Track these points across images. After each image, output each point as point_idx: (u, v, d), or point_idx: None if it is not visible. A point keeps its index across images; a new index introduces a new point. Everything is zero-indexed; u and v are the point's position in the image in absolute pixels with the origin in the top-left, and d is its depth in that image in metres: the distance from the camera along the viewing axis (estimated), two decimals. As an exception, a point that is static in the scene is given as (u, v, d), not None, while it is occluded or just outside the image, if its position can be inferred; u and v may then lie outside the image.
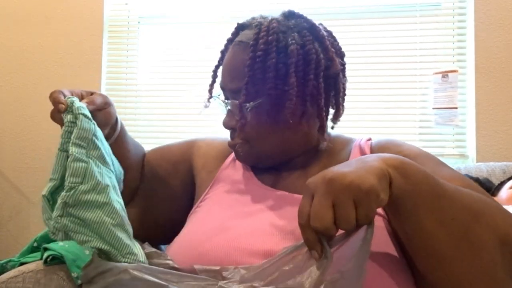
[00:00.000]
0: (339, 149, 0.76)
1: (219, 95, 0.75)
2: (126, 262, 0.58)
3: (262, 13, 0.75)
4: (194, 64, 1.98)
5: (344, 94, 0.75)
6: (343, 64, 0.74)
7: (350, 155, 0.73)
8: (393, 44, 1.84)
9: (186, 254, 0.62)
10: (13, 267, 0.78)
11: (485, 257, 0.50)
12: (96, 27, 2.04)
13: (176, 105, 2.00)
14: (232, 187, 0.74)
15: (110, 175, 0.63)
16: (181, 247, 0.65)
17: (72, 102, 0.60)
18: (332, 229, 0.45)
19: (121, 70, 2.07)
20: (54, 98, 0.61)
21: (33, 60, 2.07)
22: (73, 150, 0.58)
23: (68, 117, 0.60)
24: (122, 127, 0.77)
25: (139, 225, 0.83)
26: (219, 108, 0.76)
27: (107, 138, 0.69)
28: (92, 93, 0.68)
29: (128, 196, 0.83)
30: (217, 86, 0.76)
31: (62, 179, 0.59)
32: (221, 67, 0.75)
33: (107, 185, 0.60)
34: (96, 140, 0.61)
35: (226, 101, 0.73)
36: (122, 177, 0.71)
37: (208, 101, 0.77)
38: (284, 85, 0.67)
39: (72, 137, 0.59)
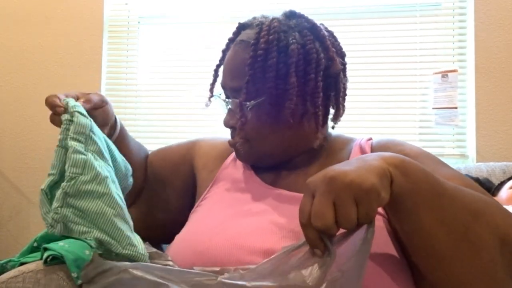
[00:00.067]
0: (339, 149, 0.76)
1: (220, 94, 0.76)
2: (127, 254, 0.58)
3: (263, 13, 0.75)
4: (194, 64, 1.98)
5: (345, 94, 0.75)
6: (344, 64, 0.74)
7: (350, 155, 0.73)
8: (393, 44, 1.84)
9: (186, 252, 0.62)
10: (13, 267, 0.78)
11: (485, 257, 0.50)
12: (96, 27, 2.04)
13: (176, 105, 2.00)
14: (232, 186, 0.74)
15: (108, 169, 0.63)
16: (181, 245, 0.66)
17: (67, 103, 0.61)
18: (333, 228, 0.45)
19: (121, 70, 2.07)
20: (50, 103, 0.62)
21: (33, 60, 2.07)
22: (72, 143, 0.58)
23: (65, 117, 0.60)
24: (122, 128, 0.78)
25: (143, 225, 0.85)
26: (220, 107, 0.76)
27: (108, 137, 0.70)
28: (89, 93, 0.68)
29: (132, 196, 0.84)
30: (218, 85, 0.76)
31: (61, 174, 0.59)
32: (222, 67, 0.75)
33: (106, 176, 0.60)
34: (93, 136, 0.61)
35: (227, 100, 0.73)
36: (129, 173, 0.71)
37: (209, 100, 0.77)
38: (285, 84, 0.67)
39: (69, 133, 0.59)
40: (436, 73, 1.76)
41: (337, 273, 0.45)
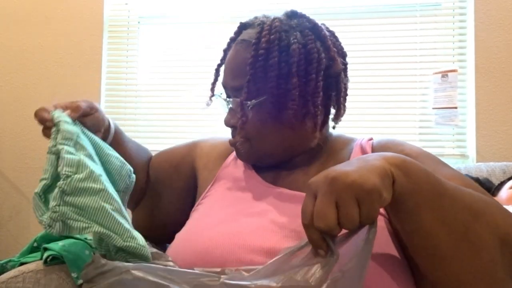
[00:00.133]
0: (340, 149, 0.76)
1: (221, 94, 0.76)
2: (128, 246, 0.58)
3: (264, 13, 0.75)
4: (194, 64, 1.98)
5: (346, 94, 0.75)
6: (345, 64, 0.74)
7: (351, 155, 0.73)
8: (393, 44, 1.84)
9: (186, 252, 0.63)
10: (13, 267, 0.78)
11: (485, 257, 0.50)
12: (96, 27, 2.04)
13: (176, 105, 2.00)
14: (233, 185, 0.74)
15: (99, 171, 0.63)
16: (182, 245, 0.66)
17: (53, 115, 0.63)
18: (335, 228, 0.45)
19: (121, 70, 2.07)
20: (39, 119, 0.64)
21: (33, 60, 2.07)
22: (62, 146, 0.59)
23: (54, 129, 0.62)
24: (117, 131, 0.78)
25: (146, 225, 0.88)
26: (221, 106, 0.76)
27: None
28: (77, 101, 0.68)
29: (135, 197, 0.85)
30: (219, 85, 0.76)
31: (53, 179, 0.59)
32: (223, 66, 0.75)
33: (100, 175, 0.60)
34: (81, 142, 0.62)
35: (228, 99, 0.73)
36: (129, 173, 0.71)
37: (210, 99, 0.77)
38: (286, 84, 0.67)
39: (57, 140, 0.60)
40: (436, 73, 1.76)
41: (338, 273, 0.44)
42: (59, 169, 0.58)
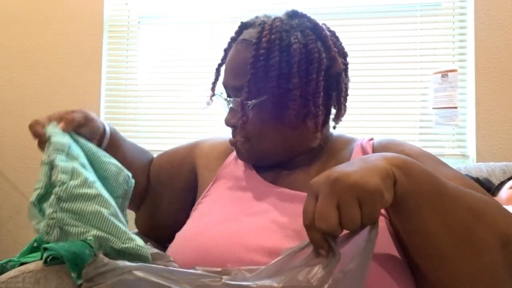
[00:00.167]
0: (340, 149, 0.76)
1: (221, 93, 0.76)
2: (127, 248, 0.58)
3: (265, 13, 0.75)
4: (194, 64, 1.98)
5: (347, 94, 0.75)
6: (346, 64, 0.74)
7: (352, 155, 0.73)
8: (393, 44, 1.84)
9: (187, 251, 0.63)
10: (13, 267, 0.78)
11: (486, 257, 0.50)
12: (96, 27, 2.04)
13: (176, 105, 2.00)
14: (234, 184, 0.74)
15: (93, 178, 0.63)
16: (182, 244, 0.66)
17: (46, 130, 0.64)
18: (337, 229, 0.45)
19: (121, 70, 2.07)
20: (33, 133, 0.65)
21: (33, 60, 2.07)
22: (56, 156, 0.60)
23: (47, 143, 0.63)
24: (114, 136, 0.79)
25: (149, 226, 0.89)
26: (221, 106, 0.76)
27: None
28: (73, 111, 0.70)
29: (137, 199, 0.87)
30: (219, 84, 0.77)
31: (47, 188, 0.60)
32: (224, 66, 0.76)
33: (94, 181, 0.61)
34: (73, 153, 0.63)
35: (228, 99, 0.73)
36: (128, 178, 0.71)
37: (211, 99, 0.77)
38: (287, 84, 0.67)
39: (50, 152, 0.62)
40: (436, 73, 1.76)
41: (340, 274, 0.44)
42: (53, 177, 0.59)
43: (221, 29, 1.94)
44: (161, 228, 0.86)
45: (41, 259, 0.75)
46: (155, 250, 0.63)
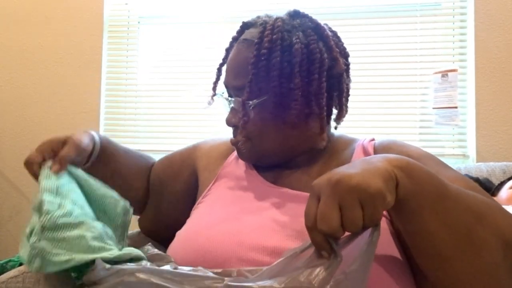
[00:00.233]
0: (342, 149, 0.76)
1: (222, 93, 0.76)
2: (118, 257, 0.58)
3: (267, 13, 0.75)
4: (194, 64, 1.98)
5: (348, 95, 0.75)
6: (347, 65, 0.74)
7: (353, 155, 0.73)
8: (393, 44, 1.84)
9: (187, 251, 0.62)
10: (13, 267, 0.78)
11: (487, 258, 0.50)
12: (96, 27, 2.04)
13: (176, 105, 2.00)
14: (234, 184, 0.74)
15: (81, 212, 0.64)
16: (182, 244, 0.66)
17: (40, 172, 0.66)
18: (339, 231, 0.45)
19: (121, 70, 2.07)
20: (31, 173, 0.68)
21: (33, 60, 2.07)
22: (42, 198, 0.60)
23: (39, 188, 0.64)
24: (106, 149, 0.80)
25: (152, 228, 0.91)
26: (222, 105, 0.76)
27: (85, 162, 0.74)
28: (65, 141, 0.71)
29: (138, 205, 0.89)
30: (221, 84, 0.77)
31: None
32: (225, 65, 0.76)
33: (80, 215, 0.61)
34: (64, 192, 0.64)
35: (230, 98, 0.73)
36: (126, 210, 0.72)
37: (212, 98, 0.77)
38: (289, 83, 0.67)
39: (38, 196, 0.62)
40: (436, 73, 1.76)
41: (341, 275, 0.44)
42: (40, 211, 0.59)
43: (221, 29, 1.94)
44: (163, 229, 0.86)
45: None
46: (156, 251, 0.63)
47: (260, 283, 0.46)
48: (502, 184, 1.30)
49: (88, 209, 0.66)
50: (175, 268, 0.55)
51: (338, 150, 0.76)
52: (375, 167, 0.48)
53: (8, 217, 2.04)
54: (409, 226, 0.53)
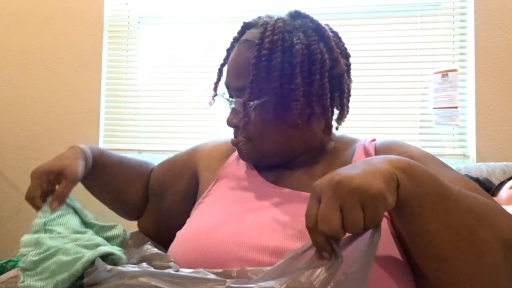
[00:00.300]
0: (343, 149, 0.76)
1: (223, 94, 0.76)
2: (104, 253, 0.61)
3: (268, 13, 0.75)
4: (194, 64, 1.98)
5: (349, 95, 0.75)
6: (348, 65, 0.74)
7: (354, 155, 0.73)
8: (393, 44, 1.84)
9: (187, 251, 0.62)
10: (13, 267, 0.78)
11: (488, 260, 0.50)
12: (96, 27, 2.04)
13: (176, 105, 2.00)
14: (235, 184, 0.74)
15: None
16: (182, 244, 0.66)
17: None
18: (340, 232, 0.45)
19: (121, 70, 2.07)
20: (35, 207, 0.72)
21: (33, 60, 2.07)
22: (24, 236, 0.66)
23: None
24: (97, 164, 0.83)
25: (153, 230, 0.92)
26: (223, 106, 0.77)
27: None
28: (61, 172, 0.74)
29: (132, 212, 0.93)
30: (221, 85, 0.77)
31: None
32: (226, 66, 0.76)
33: (59, 247, 0.64)
34: (50, 228, 0.69)
35: (231, 99, 0.73)
36: (121, 234, 0.75)
37: (213, 99, 0.77)
38: (290, 84, 0.67)
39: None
40: (436, 73, 1.76)
41: (342, 276, 0.44)
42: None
43: (221, 29, 1.94)
44: (163, 231, 0.87)
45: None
46: (155, 250, 0.63)
47: (262, 284, 0.46)
48: (502, 184, 1.30)
49: (79, 228, 0.71)
50: (176, 270, 0.55)
51: (339, 150, 0.75)
52: (376, 168, 0.48)
53: (8, 217, 2.04)
54: (410, 227, 0.52)
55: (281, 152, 0.74)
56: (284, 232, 0.60)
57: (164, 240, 0.85)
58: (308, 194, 0.50)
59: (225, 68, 0.76)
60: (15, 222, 2.03)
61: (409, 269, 0.59)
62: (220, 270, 0.54)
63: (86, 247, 0.63)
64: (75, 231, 0.69)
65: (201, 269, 0.53)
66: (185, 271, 0.53)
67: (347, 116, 0.77)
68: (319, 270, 0.45)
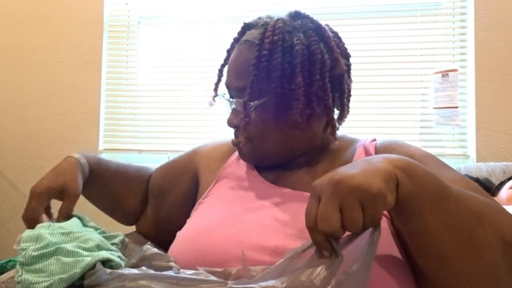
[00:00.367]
0: (343, 149, 0.76)
1: (224, 94, 0.76)
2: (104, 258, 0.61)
3: (267, 13, 0.75)
4: (194, 64, 1.98)
5: (349, 95, 0.75)
6: (348, 65, 0.74)
7: (354, 155, 0.73)
8: (393, 44, 1.84)
9: (187, 251, 0.63)
10: (13, 267, 0.78)
11: (488, 260, 0.50)
12: (96, 27, 2.04)
13: (176, 105, 2.00)
14: (236, 184, 0.74)
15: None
16: (182, 244, 0.66)
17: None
18: (339, 231, 0.45)
19: (121, 70, 2.07)
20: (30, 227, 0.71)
21: (33, 60, 2.07)
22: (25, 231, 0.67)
23: None
24: (94, 174, 0.83)
25: (153, 233, 0.92)
26: (224, 106, 0.77)
27: None
28: (62, 189, 0.74)
29: (129, 219, 0.93)
30: (222, 85, 0.77)
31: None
32: (226, 66, 0.76)
33: (58, 243, 0.64)
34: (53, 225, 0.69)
35: (231, 99, 0.73)
36: (121, 243, 0.75)
37: (213, 99, 0.77)
38: (290, 84, 0.67)
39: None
40: (436, 73, 1.76)
41: (343, 276, 0.44)
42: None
43: (221, 29, 1.94)
44: (163, 234, 0.86)
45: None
46: (155, 250, 0.63)
47: (262, 284, 0.46)
48: (502, 184, 1.30)
49: (82, 229, 0.71)
50: (177, 270, 0.55)
51: (339, 150, 0.75)
52: (375, 168, 0.48)
53: (8, 217, 2.04)
54: (410, 227, 0.52)
55: (282, 152, 0.74)
56: (284, 231, 0.60)
57: (163, 242, 0.85)
58: (309, 194, 0.50)
59: (225, 69, 0.76)
60: (15, 222, 2.03)
61: (409, 268, 0.59)
62: (220, 270, 0.54)
63: (87, 249, 0.63)
64: (76, 228, 0.69)
65: (202, 271, 0.53)
66: (186, 273, 0.53)
67: (347, 116, 0.77)
68: (319, 269, 0.45)
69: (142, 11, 2.05)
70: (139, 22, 2.07)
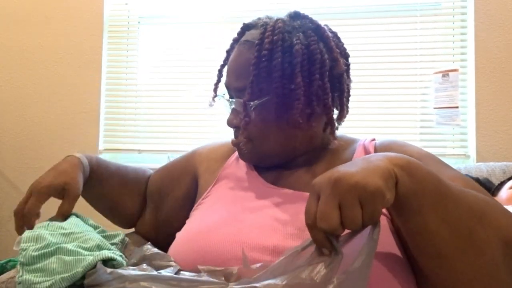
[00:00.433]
0: (343, 149, 0.76)
1: (223, 94, 0.76)
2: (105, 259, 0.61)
3: (267, 14, 0.75)
4: (194, 64, 1.98)
5: (349, 95, 0.76)
6: (348, 65, 0.74)
7: (354, 155, 0.73)
8: (393, 44, 1.84)
9: (187, 251, 0.63)
10: (13, 267, 0.78)
11: (488, 258, 0.50)
12: (96, 27, 2.04)
13: (176, 105, 2.00)
14: (235, 184, 0.75)
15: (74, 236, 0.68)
16: (182, 244, 0.66)
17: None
18: (338, 229, 0.46)
19: (121, 70, 2.07)
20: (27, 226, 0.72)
21: (33, 60, 2.07)
22: (25, 232, 0.67)
23: None
24: (93, 176, 0.83)
25: (153, 234, 0.92)
26: (224, 106, 0.77)
27: None
28: (63, 188, 0.74)
29: (128, 221, 0.93)
30: (222, 85, 0.77)
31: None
32: (226, 67, 0.76)
33: (58, 243, 0.64)
34: (52, 225, 0.70)
35: (231, 99, 0.73)
36: (118, 238, 0.76)
37: (213, 99, 0.77)
38: (291, 84, 0.67)
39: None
40: (436, 73, 1.76)
41: (343, 275, 0.45)
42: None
43: (221, 29, 1.94)
44: (163, 236, 0.86)
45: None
46: (155, 250, 0.63)
47: (263, 282, 0.46)
48: (502, 184, 1.30)
49: (82, 229, 0.71)
50: (177, 271, 0.55)
51: (339, 150, 0.76)
52: (375, 166, 0.48)
53: (8, 217, 2.04)
54: (409, 225, 0.53)
55: (282, 152, 0.74)
56: (284, 231, 0.60)
57: (163, 244, 0.85)
58: (308, 194, 0.50)
59: (225, 69, 0.76)
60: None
61: (409, 266, 0.59)
62: (220, 269, 0.54)
63: (87, 249, 0.63)
64: (76, 228, 0.69)
65: (203, 272, 0.53)
66: (186, 274, 0.53)
67: (347, 116, 0.77)
68: (319, 266, 0.46)
69: (142, 11, 2.05)
70: (139, 22, 2.07)
